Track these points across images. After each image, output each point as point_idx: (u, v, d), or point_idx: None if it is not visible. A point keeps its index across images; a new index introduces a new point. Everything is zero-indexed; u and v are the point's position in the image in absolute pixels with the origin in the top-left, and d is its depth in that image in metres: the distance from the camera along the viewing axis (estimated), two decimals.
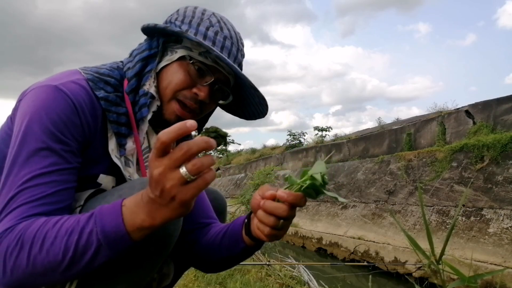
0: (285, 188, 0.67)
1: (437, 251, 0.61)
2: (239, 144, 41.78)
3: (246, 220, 0.78)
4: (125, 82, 0.81)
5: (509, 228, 4.30)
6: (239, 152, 23.19)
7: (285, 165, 12.17)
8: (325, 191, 0.64)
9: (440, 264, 0.60)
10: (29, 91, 0.72)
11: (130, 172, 0.80)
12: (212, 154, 0.59)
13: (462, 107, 6.71)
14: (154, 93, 0.79)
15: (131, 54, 0.85)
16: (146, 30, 0.82)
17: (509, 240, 4.16)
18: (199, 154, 0.55)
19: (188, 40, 0.78)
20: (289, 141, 17.33)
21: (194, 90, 0.79)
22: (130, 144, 0.79)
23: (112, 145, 0.77)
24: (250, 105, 0.91)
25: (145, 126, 0.81)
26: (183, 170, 0.52)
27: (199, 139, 0.53)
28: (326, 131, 14.70)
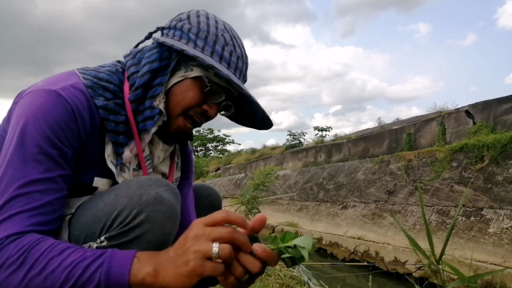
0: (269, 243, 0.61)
1: (437, 251, 0.61)
2: (239, 144, 41.82)
3: None
4: (126, 86, 0.80)
5: (509, 228, 4.29)
6: (239, 152, 23.19)
7: (285, 165, 12.17)
8: (301, 265, 0.62)
9: (440, 264, 0.60)
10: (26, 93, 0.72)
11: (125, 177, 0.80)
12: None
13: (462, 107, 6.71)
14: (163, 109, 0.79)
15: (134, 56, 0.83)
16: (162, 45, 0.80)
17: (509, 240, 4.15)
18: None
19: (201, 60, 0.76)
20: (289, 141, 17.33)
21: (205, 107, 0.81)
22: (127, 153, 0.79)
23: (108, 150, 0.76)
24: (251, 117, 0.93)
25: (148, 137, 0.81)
26: (215, 247, 0.53)
27: (260, 248, 0.56)
28: (326, 131, 14.71)
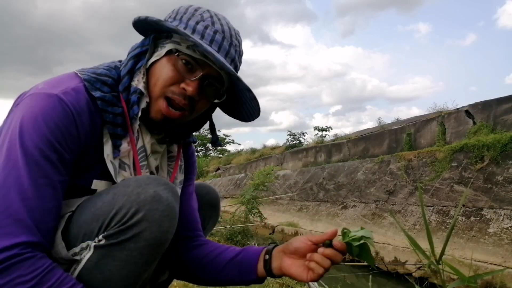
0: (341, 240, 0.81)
1: (437, 251, 0.61)
2: (239, 144, 41.79)
3: (267, 256, 0.86)
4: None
5: (509, 228, 4.29)
6: (239, 152, 23.18)
7: (285, 165, 12.16)
8: (367, 256, 0.78)
9: (440, 264, 0.60)
10: (27, 95, 0.71)
11: (125, 176, 0.79)
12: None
13: (462, 107, 6.71)
14: (143, 89, 0.78)
15: (127, 54, 0.84)
16: (137, 23, 0.81)
17: (509, 240, 4.15)
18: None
19: (178, 34, 0.76)
20: (289, 141, 17.32)
21: (182, 85, 0.77)
22: (125, 145, 0.78)
23: (107, 150, 0.76)
24: (244, 104, 0.88)
25: (136, 124, 0.80)
26: None
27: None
28: (326, 131, 14.71)
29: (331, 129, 15.50)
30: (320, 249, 0.80)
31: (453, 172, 5.63)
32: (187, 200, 0.97)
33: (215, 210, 1.13)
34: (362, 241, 0.77)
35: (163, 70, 0.77)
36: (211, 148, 30.62)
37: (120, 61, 0.86)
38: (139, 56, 0.80)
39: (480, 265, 3.93)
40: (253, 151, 19.76)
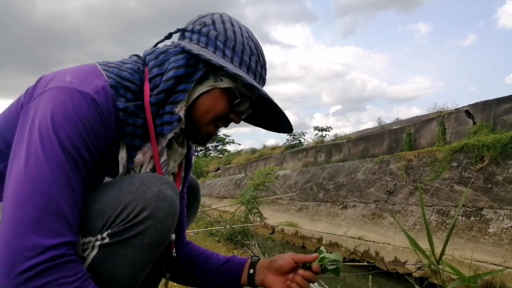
0: (317, 262, 0.92)
1: (437, 251, 0.61)
2: (239, 144, 41.80)
3: (251, 271, 0.95)
4: (146, 86, 0.78)
5: (509, 228, 4.29)
6: (239, 152, 23.19)
7: (285, 165, 12.16)
8: (337, 274, 0.91)
9: (440, 264, 0.61)
10: (54, 87, 0.68)
11: None
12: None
13: (462, 107, 6.71)
14: (182, 116, 0.79)
15: (157, 57, 0.80)
16: (189, 53, 0.78)
17: (509, 240, 4.15)
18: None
19: (235, 75, 0.76)
20: (289, 141, 17.35)
21: (232, 116, 0.84)
22: (139, 157, 0.78)
23: (122, 153, 0.76)
24: (271, 118, 0.95)
25: (164, 141, 0.81)
26: None
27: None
28: (326, 131, 14.74)
29: (331, 129, 15.55)
30: (301, 271, 0.91)
31: (453, 172, 5.63)
32: (181, 202, 0.99)
33: (194, 195, 1.13)
34: (335, 266, 0.90)
35: (219, 103, 0.81)
36: (211, 148, 30.62)
37: (138, 57, 0.84)
38: (181, 78, 0.78)
39: (480, 265, 3.93)
40: (253, 151, 19.77)
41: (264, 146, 20.24)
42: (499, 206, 4.64)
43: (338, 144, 10.09)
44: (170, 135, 0.80)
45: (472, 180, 5.24)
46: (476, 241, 4.46)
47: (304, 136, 17.36)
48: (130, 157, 0.77)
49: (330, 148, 10.25)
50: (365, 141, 9.05)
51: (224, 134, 30.83)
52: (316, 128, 15.06)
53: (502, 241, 4.21)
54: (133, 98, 0.76)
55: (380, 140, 8.52)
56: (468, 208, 4.99)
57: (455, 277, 0.60)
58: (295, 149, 13.60)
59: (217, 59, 0.76)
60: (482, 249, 4.28)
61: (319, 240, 6.62)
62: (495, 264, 3.91)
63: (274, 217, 8.35)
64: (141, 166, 0.80)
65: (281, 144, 18.29)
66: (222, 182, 15.78)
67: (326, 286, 3.26)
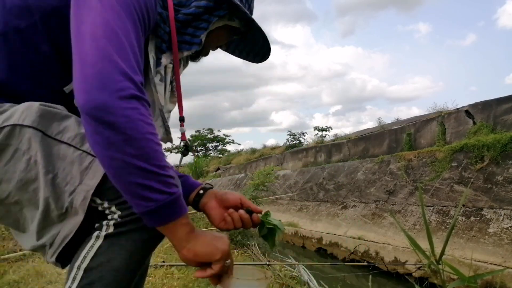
0: (260, 216, 0.92)
1: (437, 251, 0.61)
2: (239, 144, 41.74)
3: (202, 191, 0.94)
4: (169, 1, 0.82)
5: (509, 228, 4.30)
6: (239, 152, 23.18)
7: (285, 165, 12.17)
8: (272, 240, 0.92)
9: (440, 264, 0.61)
10: None
11: (159, 91, 0.83)
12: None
13: (462, 107, 6.71)
14: (203, 41, 0.87)
15: None
16: None
17: (509, 240, 4.16)
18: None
19: (237, 9, 0.85)
20: (289, 141, 17.34)
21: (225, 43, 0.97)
22: (163, 60, 0.83)
23: (151, 51, 0.80)
24: (256, 45, 1.01)
25: (181, 56, 0.87)
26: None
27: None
28: (326, 131, 14.73)
29: (331, 129, 15.53)
30: (241, 211, 0.90)
31: (453, 172, 5.64)
32: None
33: None
34: (272, 226, 0.90)
35: (225, 37, 0.94)
36: (211, 148, 30.65)
37: None
38: (208, 9, 0.84)
39: (480, 265, 3.94)
40: (253, 151, 19.77)
41: (264, 146, 20.25)
42: (499, 206, 4.64)
43: (338, 144, 10.10)
44: (186, 53, 0.87)
45: (472, 180, 5.24)
46: (476, 241, 4.46)
47: (304, 136, 17.35)
48: (158, 59, 0.82)
49: (330, 148, 10.25)
50: (365, 141, 9.05)
51: (224, 134, 30.85)
52: (316, 128, 15.05)
53: (502, 241, 4.21)
54: (163, 6, 0.81)
55: (380, 140, 8.53)
56: (468, 208, 4.99)
57: (455, 277, 0.60)
58: (295, 149, 13.61)
59: (236, 1, 0.85)
60: (482, 249, 4.28)
61: (319, 240, 6.62)
62: (495, 264, 3.91)
63: (274, 217, 8.35)
64: (166, 73, 0.85)
65: (281, 144, 18.30)
66: (222, 182, 15.79)
67: (326, 286, 3.26)
